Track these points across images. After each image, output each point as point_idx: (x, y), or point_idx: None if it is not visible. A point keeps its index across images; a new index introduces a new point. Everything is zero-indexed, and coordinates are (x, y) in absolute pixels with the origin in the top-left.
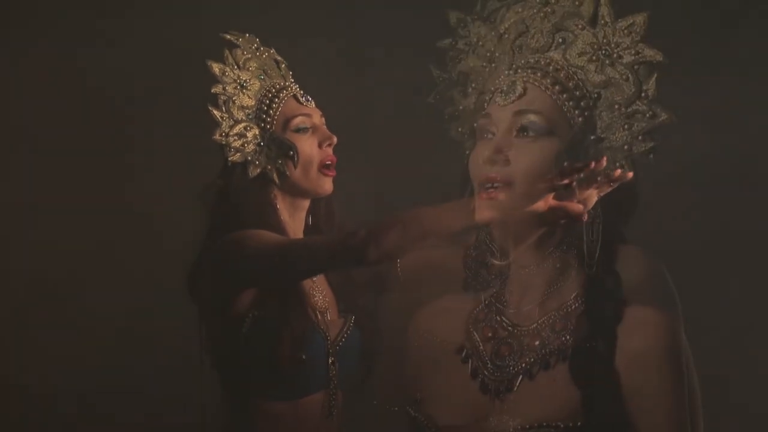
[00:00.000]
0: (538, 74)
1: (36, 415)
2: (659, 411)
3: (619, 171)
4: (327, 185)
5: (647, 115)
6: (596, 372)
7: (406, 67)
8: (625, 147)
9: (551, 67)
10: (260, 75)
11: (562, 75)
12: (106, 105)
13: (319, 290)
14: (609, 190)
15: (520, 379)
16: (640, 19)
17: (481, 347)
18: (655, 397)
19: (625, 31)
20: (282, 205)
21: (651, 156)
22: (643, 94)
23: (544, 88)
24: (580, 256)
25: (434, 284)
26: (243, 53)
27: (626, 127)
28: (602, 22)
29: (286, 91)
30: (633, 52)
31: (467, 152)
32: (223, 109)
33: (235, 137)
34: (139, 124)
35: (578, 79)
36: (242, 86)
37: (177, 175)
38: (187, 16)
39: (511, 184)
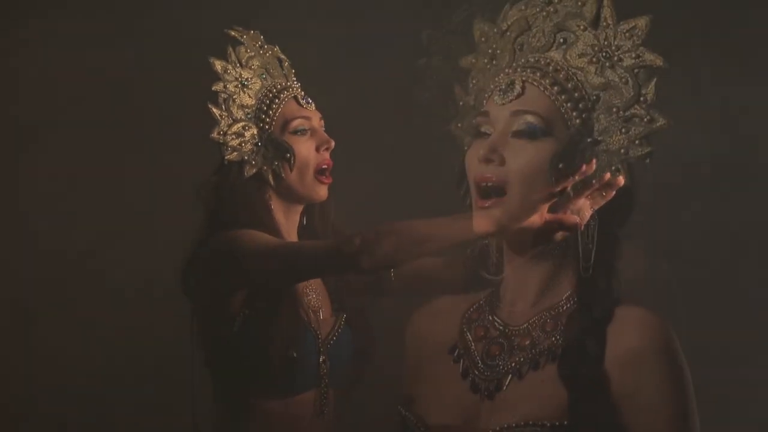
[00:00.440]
0: (538, 74)
1: (30, 413)
2: (657, 413)
3: (608, 175)
4: (322, 192)
5: (645, 119)
6: (584, 372)
7: (405, 68)
8: (622, 151)
9: (551, 67)
10: (262, 74)
11: (561, 76)
12: (106, 101)
13: (312, 289)
14: (603, 202)
15: (509, 378)
16: (641, 22)
17: (473, 347)
18: (650, 397)
19: (627, 34)
20: (276, 205)
21: (647, 161)
22: (641, 98)
23: (542, 89)
24: (575, 257)
25: (427, 291)
26: (246, 51)
27: (623, 130)
28: (604, 24)
29: (287, 92)
30: (633, 55)
31: (465, 148)
32: (223, 107)
33: (233, 136)
34: (139, 119)
35: (577, 80)
36: (243, 85)
37: (177, 172)
38: (189, 11)
39: (505, 184)
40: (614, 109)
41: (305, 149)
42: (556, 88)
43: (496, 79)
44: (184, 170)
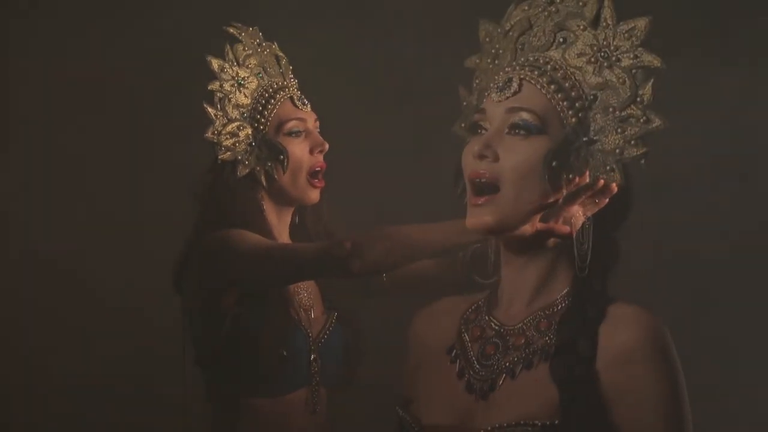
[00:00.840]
0: (535, 72)
1: (23, 413)
2: (648, 411)
3: (602, 182)
4: (314, 195)
5: (641, 120)
6: (576, 372)
7: (405, 67)
8: (617, 151)
9: (549, 66)
10: (259, 73)
11: (559, 74)
12: (102, 100)
13: (304, 288)
14: (596, 209)
15: (503, 378)
16: (641, 23)
17: (470, 347)
18: (642, 396)
19: (626, 35)
20: (268, 206)
21: (642, 161)
22: (638, 99)
23: (539, 87)
24: (570, 256)
25: (421, 291)
26: (244, 49)
27: (619, 131)
28: (604, 24)
29: (284, 92)
30: (632, 55)
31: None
32: (218, 106)
33: (227, 136)
34: (134, 118)
35: (575, 79)
36: (240, 84)
37: (172, 169)
38: (187, 8)
39: (498, 180)
40: (610, 109)
41: (299, 151)
42: (553, 86)
43: (496, 77)
44: (179, 168)
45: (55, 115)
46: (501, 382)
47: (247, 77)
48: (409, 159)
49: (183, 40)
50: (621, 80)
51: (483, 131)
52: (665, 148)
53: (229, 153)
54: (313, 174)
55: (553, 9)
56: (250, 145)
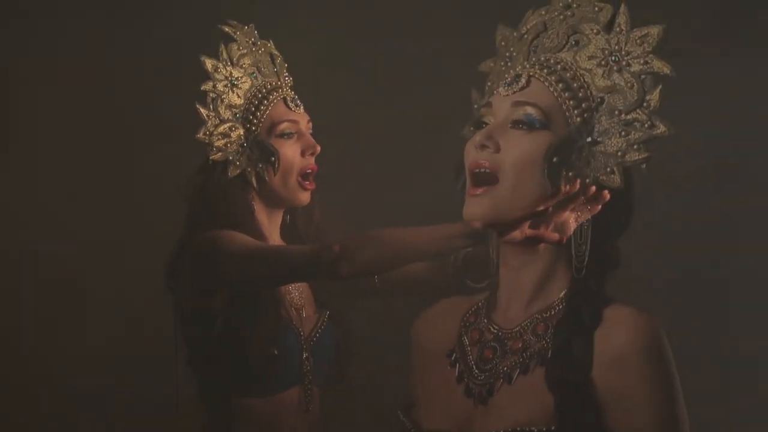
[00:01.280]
0: (545, 71)
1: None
2: (644, 415)
3: (593, 188)
4: (304, 197)
5: (646, 124)
6: (570, 378)
7: (405, 67)
8: (619, 153)
9: (559, 66)
10: (253, 73)
11: (568, 75)
12: (101, 99)
13: (295, 287)
14: (588, 216)
15: (500, 382)
16: (654, 31)
17: (469, 351)
18: (637, 400)
19: (638, 41)
20: (259, 206)
21: (644, 166)
22: (645, 104)
23: (547, 84)
24: (569, 258)
25: (414, 293)
26: (239, 48)
27: (623, 134)
28: (617, 29)
29: (277, 92)
30: (642, 61)
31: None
32: (211, 107)
33: (219, 136)
34: (127, 117)
35: (584, 81)
36: (233, 84)
37: (164, 168)
38: (182, 6)
39: (498, 171)
40: (616, 112)
41: (290, 153)
42: (561, 85)
43: (506, 75)
44: (172, 167)
45: (55, 115)
46: (498, 387)
47: (241, 77)
48: (409, 159)
49: (179, 39)
50: (629, 84)
51: (487, 124)
52: (667, 151)
53: (220, 153)
54: (304, 176)
55: (569, 13)
56: (241, 146)
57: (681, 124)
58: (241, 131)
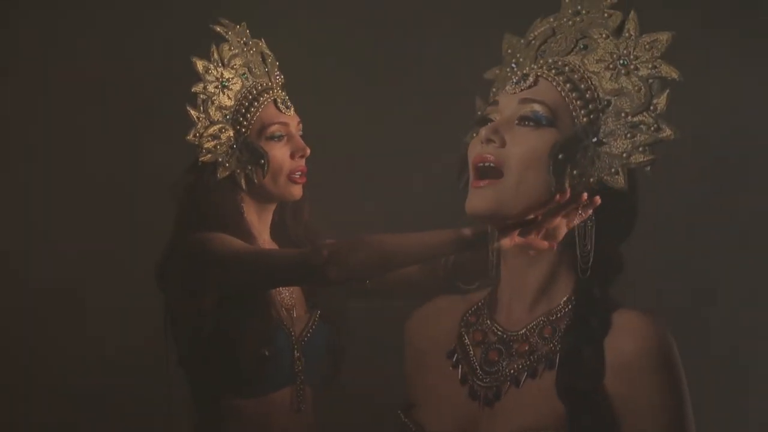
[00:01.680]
0: (553, 71)
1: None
2: (652, 420)
3: (585, 195)
4: (296, 191)
5: (652, 127)
6: (581, 386)
7: (404, 66)
8: (624, 155)
9: (567, 68)
10: (244, 74)
11: (576, 77)
12: (101, 99)
13: (286, 287)
14: (579, 221)
15: (507, 386)
16: (663, 37)
17: (471, 352)
18: (645, 404)
19: (647, 46)
20: (249, 206)
21: (648, 168)
22: (651, 107)
23: (555, 84)
24: (571, 260)
25: (407, 295)
26: (230, 48)
27: (629, 136)
28: (626, 34)
29: (267, 94)
30: (650, 66)
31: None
32: (201, 109)
33: (209, 138)
34: (119, 117)
35: (591, 83)
36: (224, 86)
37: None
38: (177, 4)
39: (503, 166)
40: (623, 114)
41: (280, 155)
42: (568, 85)
43: (513, 78)
44: (165, 168)
45: (55, 115)
46: (506, 390)
47: (232, 78)
48: (407, 160)
49: (170, 39)
50: (636, 88)
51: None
52: (668, 153)
53: (209, 155)
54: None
55: (579, 19)
56: (231, 147)
57: (686, 127)
58: (231, 133)
